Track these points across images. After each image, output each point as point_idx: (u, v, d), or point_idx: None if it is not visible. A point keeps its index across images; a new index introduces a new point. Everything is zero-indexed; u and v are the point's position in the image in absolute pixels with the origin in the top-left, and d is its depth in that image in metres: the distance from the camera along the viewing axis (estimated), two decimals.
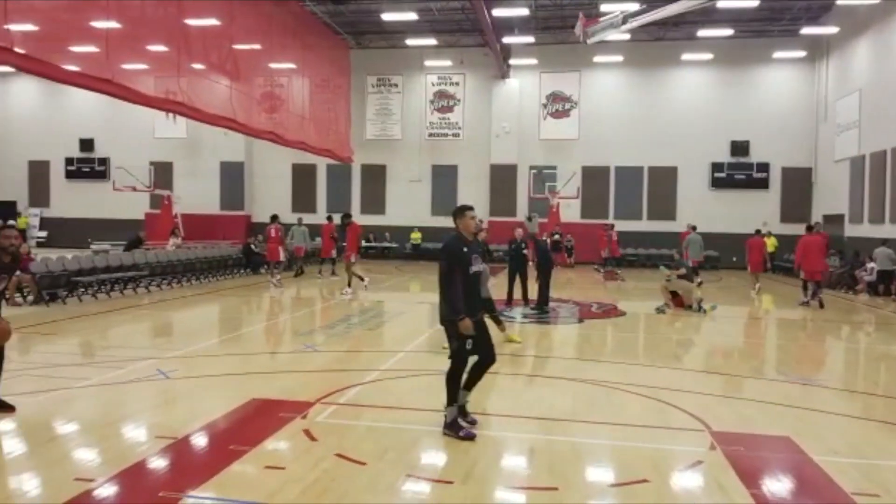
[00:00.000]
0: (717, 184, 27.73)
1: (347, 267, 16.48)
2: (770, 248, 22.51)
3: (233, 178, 30.17)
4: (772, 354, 10.64)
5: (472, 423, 5.90)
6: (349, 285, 16.40)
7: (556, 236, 24.97)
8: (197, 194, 29.21)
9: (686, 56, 27.43)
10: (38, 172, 31.46)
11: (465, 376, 5.80)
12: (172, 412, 6.50)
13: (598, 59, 27.30)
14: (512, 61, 28.34)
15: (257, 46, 19.56)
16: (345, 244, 16.59)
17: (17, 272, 13.05)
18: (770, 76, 27.42)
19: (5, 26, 10.98)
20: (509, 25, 25.37)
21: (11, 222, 19.95)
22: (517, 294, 14.05)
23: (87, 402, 6.80)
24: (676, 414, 6.62)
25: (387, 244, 29.25)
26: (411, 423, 6.13)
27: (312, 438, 5.54)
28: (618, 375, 8.17)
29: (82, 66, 13.13)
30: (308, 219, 25.44)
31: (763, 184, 27.39)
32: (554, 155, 28.49)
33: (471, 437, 5.59)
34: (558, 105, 28.62)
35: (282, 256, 18.52)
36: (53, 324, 11.30)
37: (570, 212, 27.55)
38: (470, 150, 29.18)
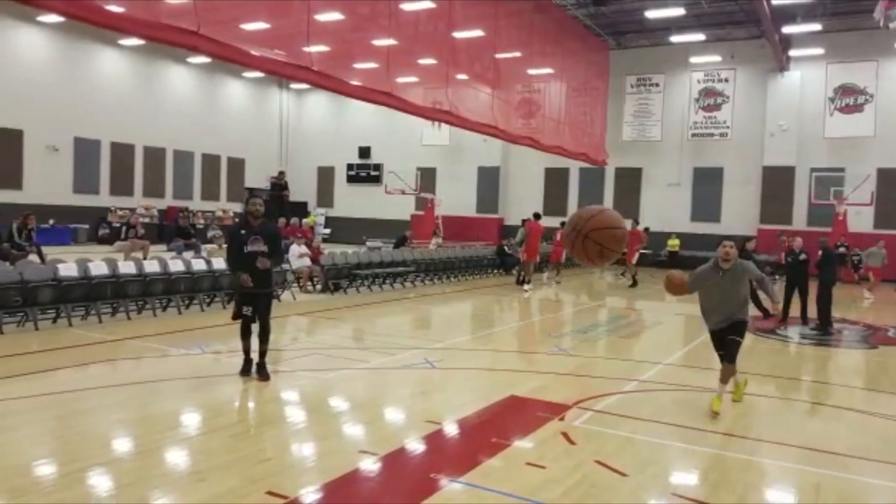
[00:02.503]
0: None
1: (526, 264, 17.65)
2: None
3: (489, 182, 31.42)
4: None
5: None
6: (528, 282, 17.27)
7: (842, 248, 22.08)
8: (456, 197, 30.90)
9: None
10: (325, 177, 35.68)
11: None
12: (438, 399, 6.93)
13: None
14: (792, 52, 25.64)
15: (518, 54, 20.10)
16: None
17: (310, 264, 15.02)
18: None
19: (305, 48, 12.61)
20: (791, 13, 23.00)
21: (303, 219, 22.73)
22: (794, 311, 12.66)
23: (365, 383, 7.54)
24: None
25: (641, 251, 28.22)
26: (673, 440, 5.82)
27: (571, 442, 5.52)
28: None
29: (365, 81, 14.61)
30: (556, 222, 25.61)
31: None
32: (841, 155, 25.18)
33: None
34: (849, 99, 25.28)
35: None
36: (337, 311, 12.71)
37: (860, 220, 24.17)
38: (738, 151, 27.02)
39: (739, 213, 26.31)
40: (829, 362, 10.28)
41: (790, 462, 5.44)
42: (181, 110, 29.29)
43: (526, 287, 16.98)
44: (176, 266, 11.69)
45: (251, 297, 7.07)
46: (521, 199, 30.59)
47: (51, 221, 21.98)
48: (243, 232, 7.06)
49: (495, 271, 21.82)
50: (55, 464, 4.79)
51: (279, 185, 29.81)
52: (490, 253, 22.58)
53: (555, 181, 30.45)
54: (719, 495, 4.65)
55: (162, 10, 10.33)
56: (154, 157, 28.32)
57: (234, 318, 7.26)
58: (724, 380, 6.61)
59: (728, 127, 27.29)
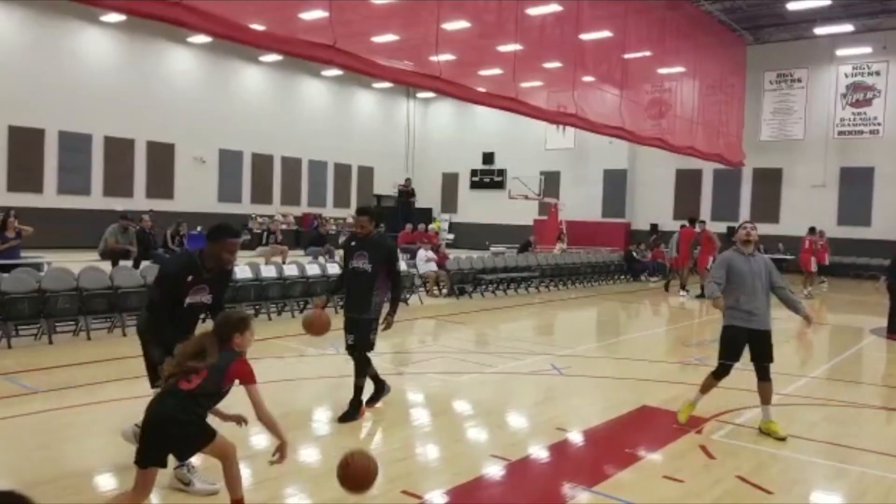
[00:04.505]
0: None
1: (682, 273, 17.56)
2: None
3: (615, 185, 30.68)
4: None
5: None
6: (683, 288, 17.32)
7: None
8: (580, 201, 30.44)
9: None
10: (449, 183, 36.28)
11: None
12: (567, 407, 6.86)
13: None
14: None
15: (647, 53, 19.52)
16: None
17: (436, 269, 15.33)
18: None
19: (432, 57, 12.90)
20: None
21: (425, 225, 23.17)
22: None
23: (493, 387, 7.59)
24: None
25: (779, 255, 26.54)
26: (821, 457, 5.46)
27: (710, 456, 5.30)
28: None
29: (490, 87, 14.73)
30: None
31: None
32: None
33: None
34: None
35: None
36: (462, 314, 12.89)
37: None
38: (891, 149, 24.76)
39: (893, 216, 24.12)
40: None
41: None
42: (315, 121, 30.86)
43: (682, 294, 17.05)
44: (312, 270, 12.34)
45: (352, 322, 6.12)
46: (650, 203, 29.67)
47: (199, 228, 23.80)
48: (353, 244, 6.16)
49: (622, 277, 21.28)
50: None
51: (406, 192, 30.67)
52: (617, 258, 22.05)
53: (686, 183, 29.24)
54: None
55: (299, 26, 10.95)
56: (290, 166, 30.02)
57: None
58: (767, 400, 5.95)
59: (879, 123, 25.11)
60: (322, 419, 6.18)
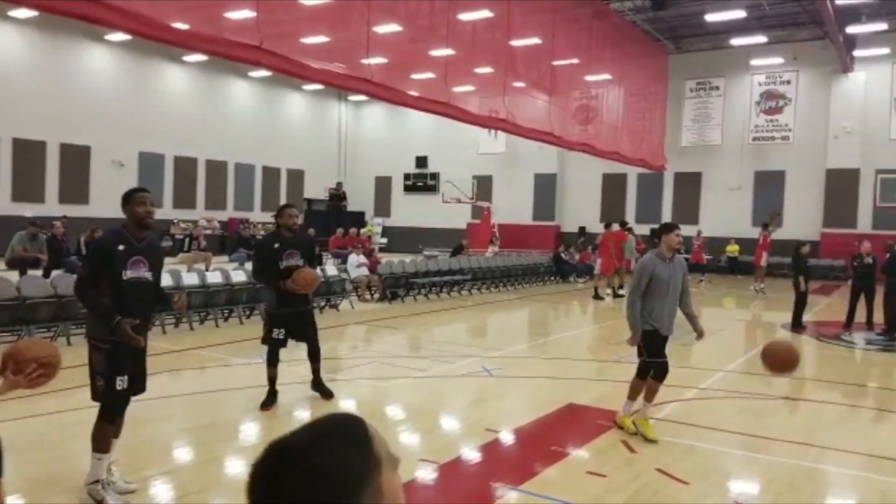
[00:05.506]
0: None
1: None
2: None
3: (545, 189, 31.30)
4: None
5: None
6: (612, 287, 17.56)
7: None
8: (512, 205, 30.90)
9: None
10: (382, 186, 36.19)
11: None
12: (496, 408, 6.99)
13: None
14: (857, 53, 24.79)
15: (575, 60, 20.02)
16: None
17: (368, 273, 15.28)
18: None
19: (364, 60, 12.88)
20: (855, 13, 22.25)
21: (356, 230, 23.06)
22: (859, 316, 12.38)
23: (424, 391, 7.65)
24: None
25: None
26: (735, 447, 5.77)
27: (632, 450, 5.51)
28: None
29: (423, 91, 14.80)
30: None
31: None
32: None
33: None
34: None
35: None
36: (394, 319, 12.90)
37: None
38: (801, 155, 26.22)
39: (802, 217, 25.50)
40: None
41: (856, 470, 5.34)
42: (242, 123, 30.15)
43: (607, 292, 17.48)
44: (238, 277, 12.01)
45: (294, 316, 6.38)
46: (578, 206, 30.39)
47: None
48: (277, 245, 6.35)
49: (552, 279, 21.73)
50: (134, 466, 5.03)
51: (337, 196, 30.43)
52: (546, 260, 22.50)
53: (613, 187, 30.13)
54: (783, 502, 4.60)
55: (225, 25, 10.72)
56: (216, 169, 29.25)
57: (265, 342, 6.53)
58: (651, 398, 5.87)
59: (790, 130, 26.52)
60: (250, 431, 6.08)
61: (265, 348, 6.59)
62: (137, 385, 4.48)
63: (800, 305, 12.52)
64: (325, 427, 1.05)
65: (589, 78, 21.59)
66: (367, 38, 12.44)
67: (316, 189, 33.22)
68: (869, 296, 12.34)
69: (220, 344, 9.70)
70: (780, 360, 4.61)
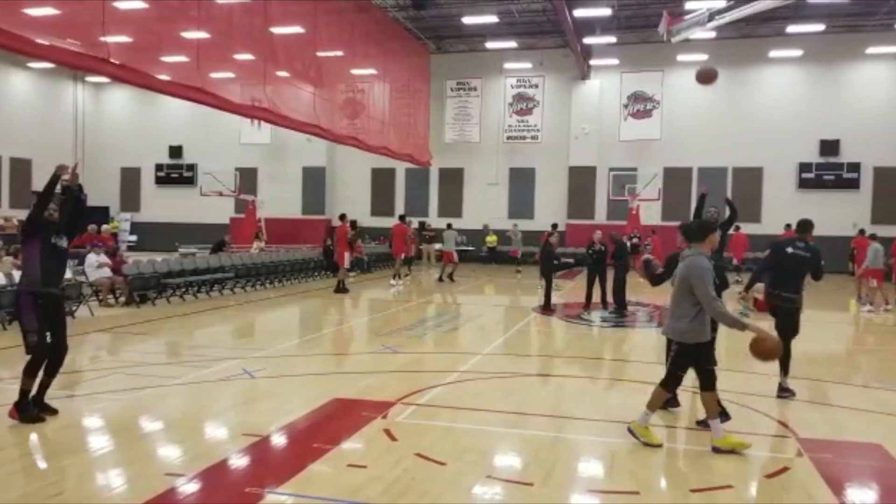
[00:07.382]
0: (804, 184, 26.43)
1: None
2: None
3: (315, 182, 30.90)
4: (864, 361, 10.01)
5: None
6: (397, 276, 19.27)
7: (635, 239, 24.33)
8: (280, 199, 30.07)
9: (774, 53, 26.26)
10: (130, 178, 33.11)
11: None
12: (258, 410, 6.64)
13: (681, 57, 26.47)
14: (593, 62, 27.87)
15: (340, 53, 19.94)
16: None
17: (110, 275, 13.74)
18: (863, 72, 26.04)
19: (102, 38, 11.57)
20: (591, 26, 24.95)
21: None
22: (595, 297, 14.12)
23: (177, 400, 7.04)
24: (762, 420, 6.41)
25: (463, 247, 29.18)
26: (490, 425, 6.09)
27: (393, 438, 5.56)
28: None
29: (174, 76, 13.71)
30: (383, 222, 26.03)
31: (854, 184, 25.93)
32: (634, 156, 27.80)
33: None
34: (640, 105, 27.93)
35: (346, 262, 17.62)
36: (145, 324, 11.78)
37: (651, 213, 26.78)
38: (548, 153, 28.88)
39: (550, 210, 28.07)
40: (626, 342, 11.29)
41: (592, 435, 5.92)
42: None
43: (392, 282, 18.85)
44: None
45: (53, 308, 6.04)
46: (349, 200, 30.37)
47: None
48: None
49: (323, 273, 21.49)
50: None
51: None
52: (317, 255, 22.20)
53: (382, 181, 30.64)
54: (530, 472, 4.95)
55: None
56: None
57: (31, 350, 5.88)
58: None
59: (538, 130, 29.04)
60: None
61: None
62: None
63: (548, 290, 13.91)
64: None
65: (355, 72, 21.68)
66: (104, 13, 11.19)
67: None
68: (602, 279, 13.99)
69: None
70: (763, 350, 5.53)
